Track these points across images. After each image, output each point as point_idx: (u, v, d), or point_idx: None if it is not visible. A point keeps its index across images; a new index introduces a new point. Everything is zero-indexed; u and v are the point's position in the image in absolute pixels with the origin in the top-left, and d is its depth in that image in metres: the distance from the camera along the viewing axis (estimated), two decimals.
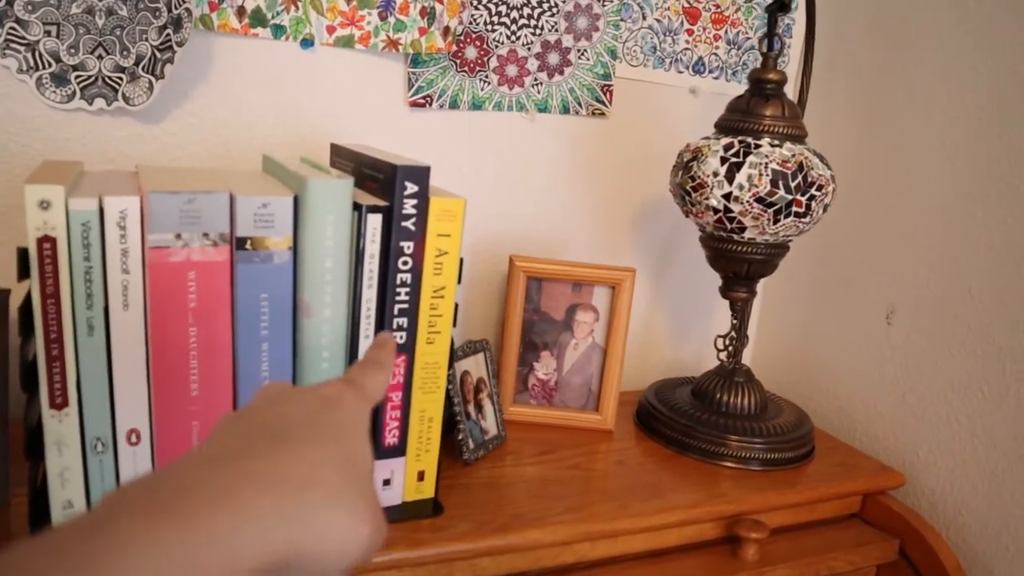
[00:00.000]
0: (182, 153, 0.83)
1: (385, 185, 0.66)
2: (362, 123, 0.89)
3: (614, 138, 1.00)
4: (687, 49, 1.00)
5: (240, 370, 0.65)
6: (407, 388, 0.69)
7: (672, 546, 0.79)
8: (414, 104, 0.89)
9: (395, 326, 0.67)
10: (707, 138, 0.84)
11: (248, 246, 0.63)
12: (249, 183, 0.68)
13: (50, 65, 0.78)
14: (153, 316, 0.62)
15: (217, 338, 0.64)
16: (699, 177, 0.81)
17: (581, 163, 1.00)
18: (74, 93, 0.79)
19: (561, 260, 0.90)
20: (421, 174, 0.65)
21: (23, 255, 0.59)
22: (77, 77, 0.79)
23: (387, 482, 0.71)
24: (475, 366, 0.82)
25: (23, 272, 0.60)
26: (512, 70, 0.92)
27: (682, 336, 1.14)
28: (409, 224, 0.65)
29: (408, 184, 0.65)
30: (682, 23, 0.99)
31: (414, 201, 0.65)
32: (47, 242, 0.58)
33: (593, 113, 0.98)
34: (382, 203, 0.65)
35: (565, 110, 0.96)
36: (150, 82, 0.79)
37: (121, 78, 0.79)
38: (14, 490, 0.68)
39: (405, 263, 0.66)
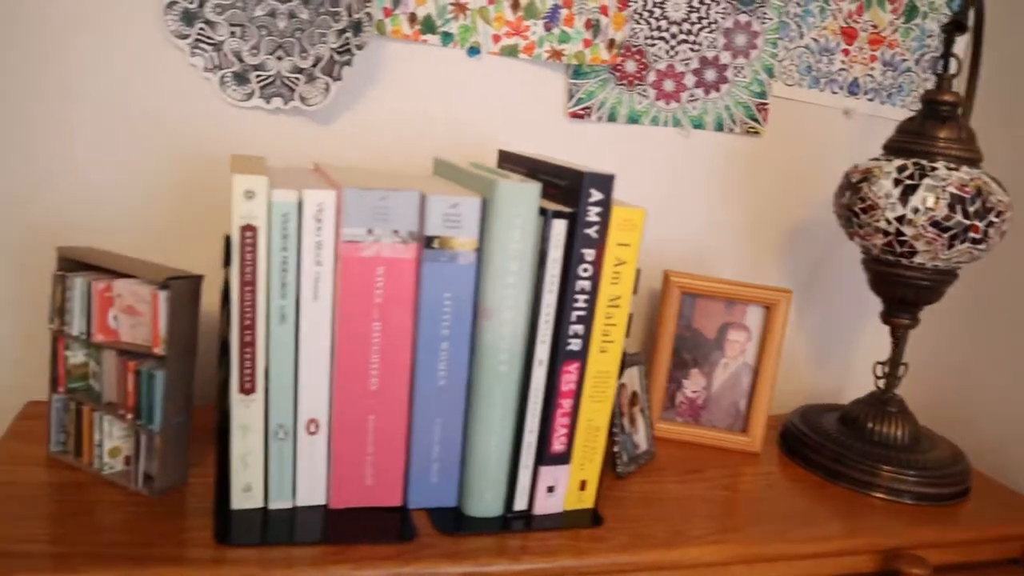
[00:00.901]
0: (352, 154, 0.85)
1: (568, 192, 0.66)
2: (523, 131, 0.89)
3: (766, 157, 0.99)
4: (843, 69, 0.99)
5: (419, 367, 0.66)
6: (577, 396, 0.69)
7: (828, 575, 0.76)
8: (574, 115, 0.89)
9: (571, 333, 0.67)
10: (877, 159, 0.82)
11: (435, 245, 0.64)
12: (429, 184, 0.69)
13: (233, 64, 0.80)
14: (341, 308, 0.63)
15: (399, 334, 0.65)
16: (870, 198, 0.79)
17: (733, 181, 0.99)
18: (253, 92, 0.82)
19: (716, 277, 0.88)
20: (606, 183, 0.65)
21: (228, 243, 0.61)
22: (257, 77, 0.81)
23: (551, 489, 0.70)
24: (630, 379, 0.82)
25: (227, 259, 0.62)
26: (669, 85, 0.92)
27: (823, 361, 1.11)
28: (592, 232, 0.65)
29: (593, 192, 0.65)
30: (839, 43, 0.98)
31: (598, 209, 0.65)
32: (249, 231, 0.60)
33: (747, 131, 0.97)
34: (567, 209, 0.65)
35: (719, 127, 0.95)
36: (327, 83, 0.82)
37: (299, 78, 0.81)
38: (193, 470, 0.70)
39: (585, 270, 0.66)
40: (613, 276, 0.68)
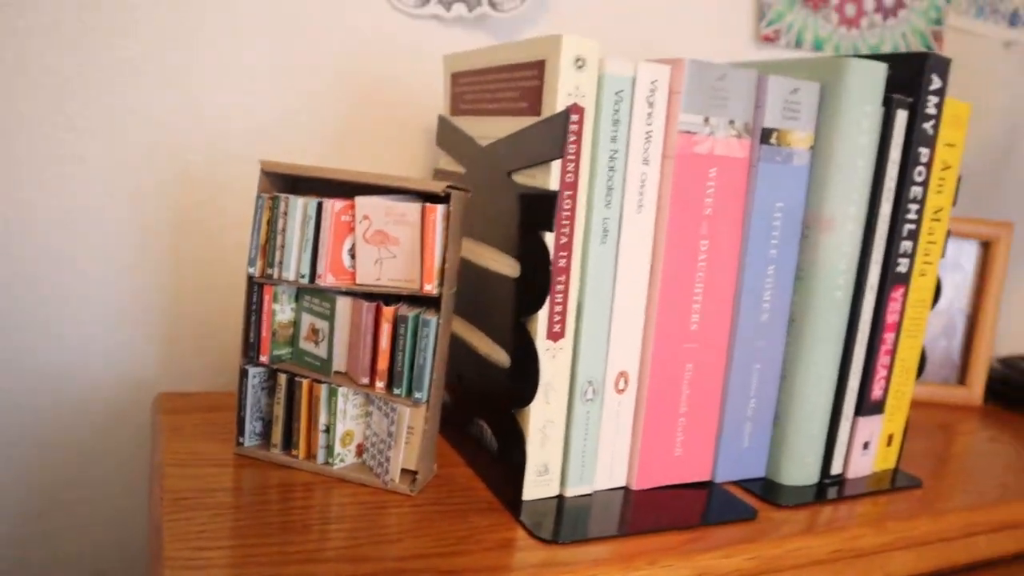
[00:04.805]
0: None
1: (901, 77, 0.54)
2: (711, 54, 0.78)
3: None
4: None
5: (743, 298, 0.52)
6: (898, 329, 0.57)
7: None
8: (766, 39, 0.78)
9: (901, 251, 0.55)
10: None
11: (773, 140, 0.51)
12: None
13: None
14: (670, 221, 0.49)
15: (726, 254, 0.51)
16: None
17: None
18: None
19: None
20: (944, 67, 0.54)
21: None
22: None
23: (866, 446, 0.58)
24: None
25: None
26: (851, 9, 0.83)
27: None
28: (928, 127, 0.54)
29: (935, 78, 0.54)
30: None
31: (936, 99, 0.54)
32: (575, 113, 0.45)
33: None
34: (907, 98, 0.54)
35: None
36: None
37: None
38: (442, 460, 0.53)
39: (920, 174, 0.55)
40: (938, 183, 0.57)
